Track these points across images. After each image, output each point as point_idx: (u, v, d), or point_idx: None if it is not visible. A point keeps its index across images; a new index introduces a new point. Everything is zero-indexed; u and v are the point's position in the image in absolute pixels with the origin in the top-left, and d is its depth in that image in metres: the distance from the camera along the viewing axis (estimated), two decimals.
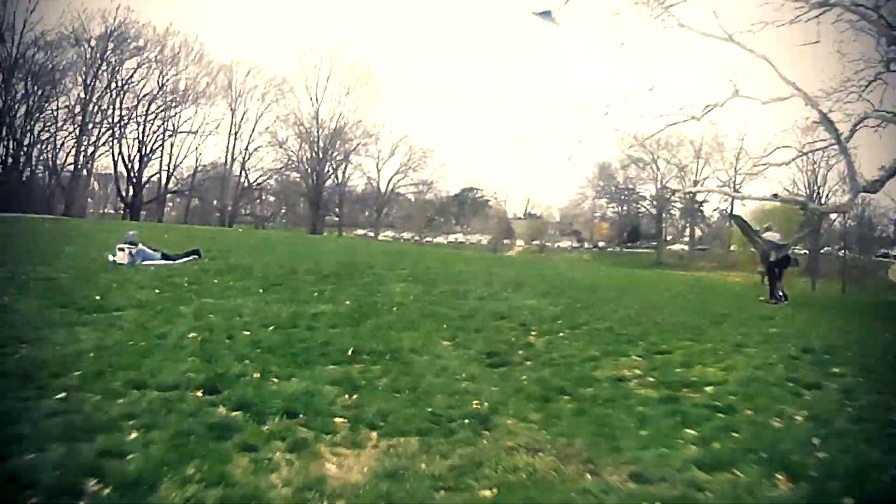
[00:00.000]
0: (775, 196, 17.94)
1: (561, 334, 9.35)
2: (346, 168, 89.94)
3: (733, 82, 20.55)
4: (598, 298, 14.25)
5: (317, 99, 76.57)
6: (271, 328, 8.46)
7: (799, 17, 20.08)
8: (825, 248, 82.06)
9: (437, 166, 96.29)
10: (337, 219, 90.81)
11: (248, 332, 8.11)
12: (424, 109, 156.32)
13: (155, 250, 15.38)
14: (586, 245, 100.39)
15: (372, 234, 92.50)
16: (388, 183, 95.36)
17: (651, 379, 7.27)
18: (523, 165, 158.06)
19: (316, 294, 11.51)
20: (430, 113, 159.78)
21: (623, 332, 9.87)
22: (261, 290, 11.53)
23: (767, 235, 19.09)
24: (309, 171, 78.66)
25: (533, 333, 9.31)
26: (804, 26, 20.34)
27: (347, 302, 10.87)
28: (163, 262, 14.93)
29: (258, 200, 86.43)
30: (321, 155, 76.67)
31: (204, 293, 10.88)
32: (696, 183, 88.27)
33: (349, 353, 7.43)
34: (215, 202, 79.99)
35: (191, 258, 15.73)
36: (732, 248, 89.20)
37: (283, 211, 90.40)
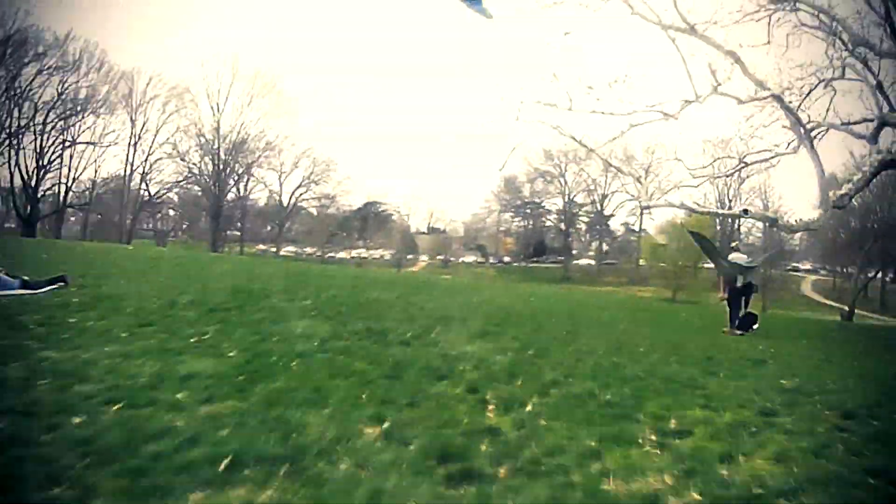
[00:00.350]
0: (745, 212, 15.48)
1: (529, 408, 6.37)
2: (247, 181, 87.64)
3: (714, 77, 18.07)
4: (547, 336, 11.44)
5: (218, 108, 72.64)
6: (116, 407, 5.22)
7: (750, 14, 18.26)
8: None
9: (341, 179, 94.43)
10: (238, 233, 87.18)
11: (78, 420, 4.88)
12: (329, 120, 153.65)
13: (14, 277, 11.82)
14: (491, 260, 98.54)
15: (274, 250, 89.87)
16: (291, 197, 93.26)
17: (696, 495, 4.42)
18: (428, 178, 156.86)
19: (194, 340, 8.36)
20: (335, 124, 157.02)
21: (610, 396, 7.05)
22: (124, 334, 8.22)
23: (734, 257, 16.64)
24: (210, 184, 73.65)
25: (491, 408, 6.33)
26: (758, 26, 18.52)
27: (232, 353, 7.72)
28: (21, 291, 11.40)
29: (159, 215, 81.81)
30: (221, 167, 71.98)
31: (51, 341, 7.46)
32: (604, 197, 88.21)
33: (223, 464, 4.27)
34: (117, 217, 74.91)
35: (55, 286, 12.16)
36: (641, 262, 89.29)
37: (184, 226, 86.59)
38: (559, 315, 15.90)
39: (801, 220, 16.79)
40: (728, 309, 16.09)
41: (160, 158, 74.41)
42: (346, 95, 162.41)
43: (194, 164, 77.03)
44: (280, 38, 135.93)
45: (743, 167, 23.11)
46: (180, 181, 78.32)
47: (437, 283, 24.14)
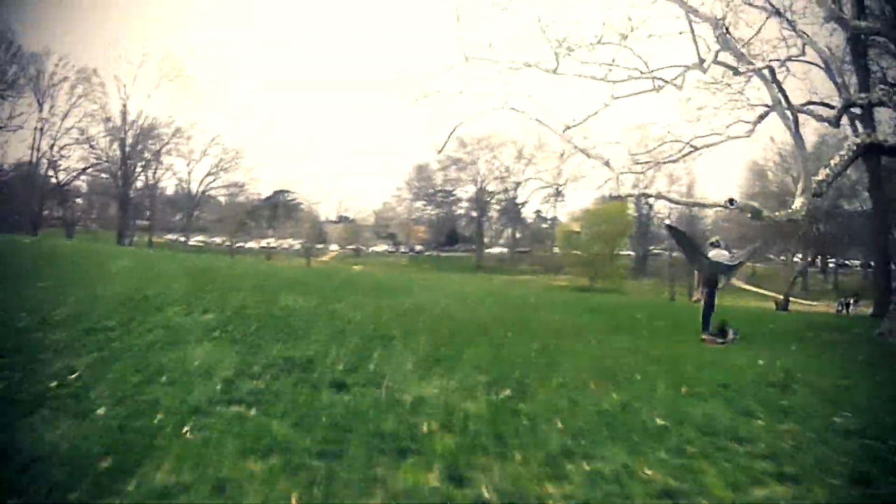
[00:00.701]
0: (731, 202, 13.23)
1: None
2: (156, 169, 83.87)
3: (709, 55, 15.68)
4: (513, 360, 9.05)
5: (125, 92, 66.84)
6: None
7: None
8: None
9: (250, 167, 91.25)
10: (147, 223, 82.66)
11: None
12: (238, 106, 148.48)
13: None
14: (403, 249, 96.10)
15: (183, 239, 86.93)
16: (200, 185, 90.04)
17: None
18: (337, 166, 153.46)
19: (55, 385, 5.87)
20: (244, 109, 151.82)
21: (651, 471, 4.85)
22: None
23: (714, 254, 14.40)
24: (117, 171, 68.51)
25: None
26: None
27: (101, 410, 5.26)
28: None
29: (67, 203, 75.69)
30: (128, 153, 66.60)
31: None
32: (517, 185, 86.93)
33: None
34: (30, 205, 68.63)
35: None
36: (555, 250, 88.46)
37: (93, 215, 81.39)
38: (509, 322, 13.52)
39: (782, 211, 14.86)
40: (702, 312, 13.89)
41: (67, 144, 68.98)
42: (254, 75, 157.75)
43: (102, 150, 71.40)
44: (188, 16, 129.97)
45: (691, 151, 21.15)
46: (87, 168, 72.44)
47: (356, 281, 21.36)
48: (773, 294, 59.15)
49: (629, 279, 70.16)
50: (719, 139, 19.69)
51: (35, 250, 23.01)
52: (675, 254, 76.24)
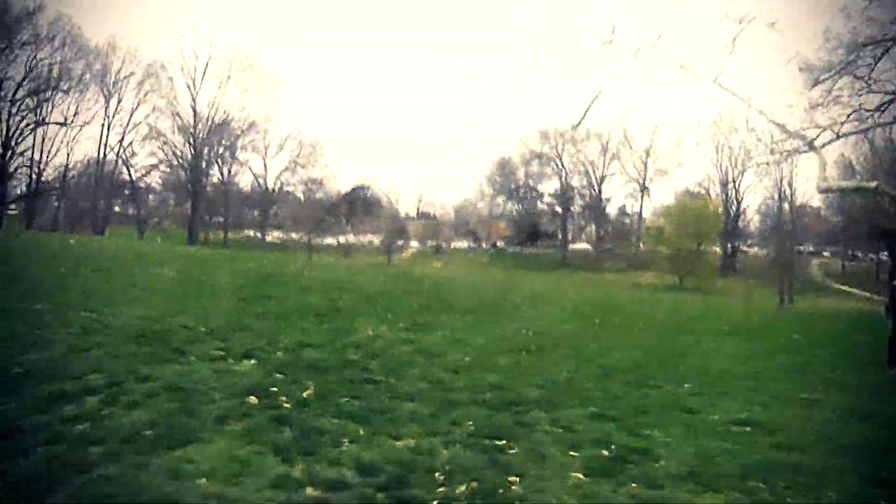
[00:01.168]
0: None
1: None
2: (230, 164, 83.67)
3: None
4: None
5: (195, 85, 65.60)
6: None
7: None
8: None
9: (328, 163, 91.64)
10: (222, 219, 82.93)
11: None
12: (314, 101, 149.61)
13: None
14: (483, 245, 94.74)
15: (259, 235, 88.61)
16: (276, 181, 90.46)
17: None
18: (418, 162, 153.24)
19: None
20: (321, 105, 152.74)
21: None
22: None
23: None
24: (188, 167, 68.12)
25: None
26: None
27: None
28: None
29: (138, 200, 75.81)
30: (199, 149, 65.86)
31: None
32: (602, 179, 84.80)
33: None
34: (96, 203, 69.09)
35: None
36: (641, 246, 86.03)
37: (165, 212, 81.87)
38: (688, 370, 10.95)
39: None
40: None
41: (133, 141, 68.33)
42: (334, 73, 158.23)
43: (171, 145, 69.51)
44: (264, 11, 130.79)
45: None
46: (158, 164, 71.16)
47: (446, 290, 18.91)
48: (864, 293, 56.05)
49: (718, 277, 67.34)
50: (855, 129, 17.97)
51: (73, 250, 21.39)
52: (769, 252, 73.35)
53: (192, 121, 63.72)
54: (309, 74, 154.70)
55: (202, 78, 63.96)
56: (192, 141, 62.51)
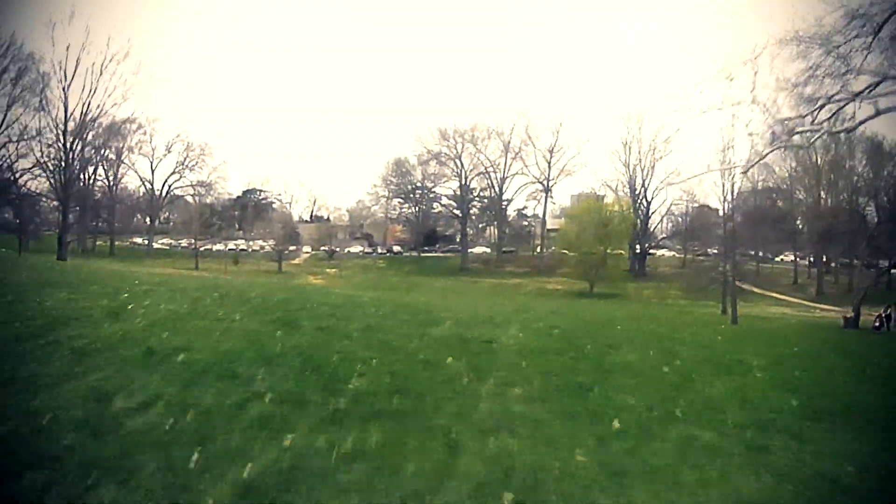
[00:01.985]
0: None
1: None
2: (116, 167, 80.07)
3: None
4: None
5: (66, 78, 52.35)
6: None
7: None
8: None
9: (217, 165, 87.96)
10: (94, 225, 76.64)
11: None
12: (203, 103, 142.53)
13: None
14: (379, 250, 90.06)
15: (144, 242, 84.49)
16: (164, 184, 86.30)
17: None
18: (311, 163, 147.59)
19: None
20: (209, 107, 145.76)
21: None
22: None
23: None
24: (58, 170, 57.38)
25: None
26: None
27: None
28: None
29: (12, 206, 65.59)
30: (68, 149, 54.00)
31: None
32: (503, 180, 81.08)
33: None
34: None
35: None
36: (540, 249, 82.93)
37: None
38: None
39: None
40: None
41: (6, 143, 56.29)
42: (221, 74, 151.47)
43: (46, 145, 59.15)
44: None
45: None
46: (31, 168, 58.25)
47: (343, 315, 14.19)
48: (797, 300, 54.24)
49: (627, 282, 64.31)
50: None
51: None
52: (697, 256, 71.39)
53: (63, 117, 53.02)
54: (196, 75, 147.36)
55: (74, 70, 52.93)
56: (62, 140, 51.82)
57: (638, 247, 73.22)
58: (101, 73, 50.82)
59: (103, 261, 56.75)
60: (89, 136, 55.39)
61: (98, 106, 50.97)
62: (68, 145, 50.25)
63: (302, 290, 23.30)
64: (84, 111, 49.85)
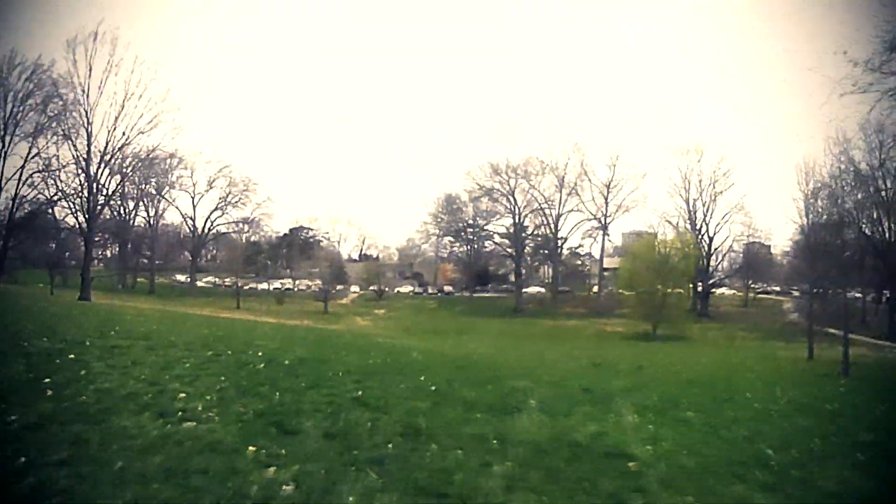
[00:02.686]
0: None
1: None
2: (157, 203, 78.50)
3: None
4: None
5: (87, 102, 45.98)
6: None
7: None
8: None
9: (262, 201, 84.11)
10: (142, 261, 76.55)
11: None
12: (245, 134, 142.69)
13: None
14: (430, 290, 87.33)
15: (183, 280, 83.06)
16: (206, 221, 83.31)
17: None
18: (359, 201, 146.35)
19: None
20: (254, 139, 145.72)
21: None
22: None
23: None
24: (82, 203, 53.67)
25: None
26: None
27: None
28: None
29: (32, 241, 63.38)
30: (91, 181, 48.18)
31: None
32: (559, 217, 77.48)
33: None
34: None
35: None
36: (594, 289, 79.34)
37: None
38: None
39: None
40: None
41: (33, 172, 52.10)
42: (266, 107, 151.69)
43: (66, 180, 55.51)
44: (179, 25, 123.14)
45: None
46: (54, 199, 53.68)
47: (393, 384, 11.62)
48: (870, 339, 49.74)
49: (691, 322, 60.03)
50: None
51: None
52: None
53: (85, 144, 48.36)
54: (243, 106, 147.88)
55: (99, 94, 48.03)
56: (85, 169, 47.01)
57: (700, 285, 69.08)
58: (126, 97, 46.37)
59: (138, 299, 54.74)
60: (127, 169, 51.89)
61: (124, 133, 46.35)
62: (92, 175, 46.02)
63: (338, 339, 20.05)
64: (108, 138, 45.53)
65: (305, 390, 8.47)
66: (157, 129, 46.56)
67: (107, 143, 45.16)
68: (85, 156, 44.66)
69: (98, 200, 46.53)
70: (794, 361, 30.88)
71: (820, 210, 59.64)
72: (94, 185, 45.50)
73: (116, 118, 45.11)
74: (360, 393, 8.51)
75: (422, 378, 10.27)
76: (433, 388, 9.51)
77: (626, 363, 19.60)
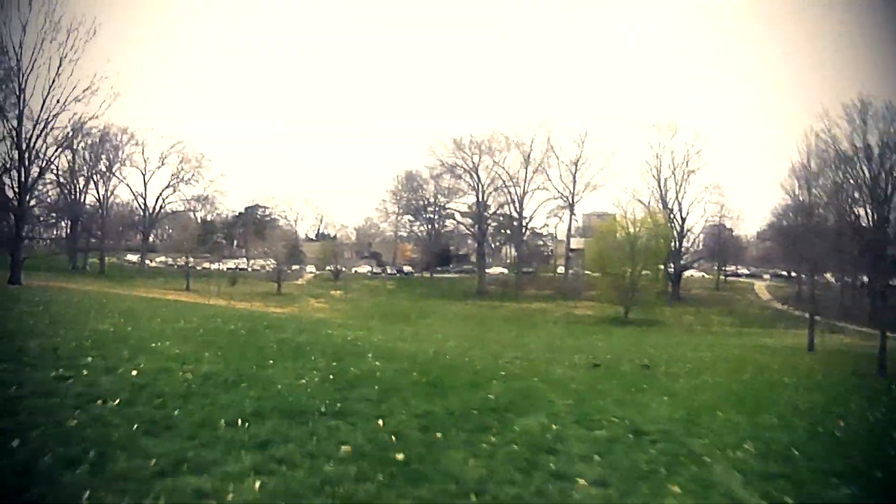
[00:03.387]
0: None
1: None
2: (108, 179, 73.86)
3: None
4: None
5: (18, 65, 40.96)
6: None
7: None
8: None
9: (214, 178, 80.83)
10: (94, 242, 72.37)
11: None
12: (197, 111, 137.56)
13: None
14: (388, 270, 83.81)
15: (133, 260, 79.38)
16: (157, 199, 79.84)
17: None
18: (316, 178, 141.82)
19: None
20: (206, 116, 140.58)
21: None
22: None
23: None
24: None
25: None
26: None
27: None
28: None
29: None
30: (24, 152, 43.22)
31: None
32: (524, 195, 73.95)
33: None
34: None
35: None
36: (559, 269, 76.46)
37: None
38: None
39: None
40: None
41: None
42: (217, 74, 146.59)
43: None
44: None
45: None
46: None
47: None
48: (853, 327, 47.43)
49: (663, 306, 57.01)
50: None
51: None
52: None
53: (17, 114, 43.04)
54: (193, 80, 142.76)
55: (31, 59, 41.57)
56: (15, 140, 40.92)
57: (671, 267, 66.25)
58: (60, 63, 40.69)
59: (83, 281, 50.66)
60: (64, 143, 46.18)
61: (59, 101, 40.67)
62: (23, 146, 40.00)
63: (277, 334, 15.37)
64: (42, 106, 40.03)
65: (154, 477, 4.44)
66: (96, 96, 41.29)
67: (40, 112, 39.74)
68: (16, 125, 39.48)
69: (31, 173, 41.15)
70: (796, 353, 27.96)
71: (797, 192, 57.63)
72: (28, 157, 40.16)
73: (51, 85, 39.59)
74: (257, 486, 4.45)
75: (380, 422, 6.47)
76: (400, 452, 5.44)
77: (621, 358, 16.55)
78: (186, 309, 25.58)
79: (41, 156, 41.65)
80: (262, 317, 24.07)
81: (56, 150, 44.42)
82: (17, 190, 40.20)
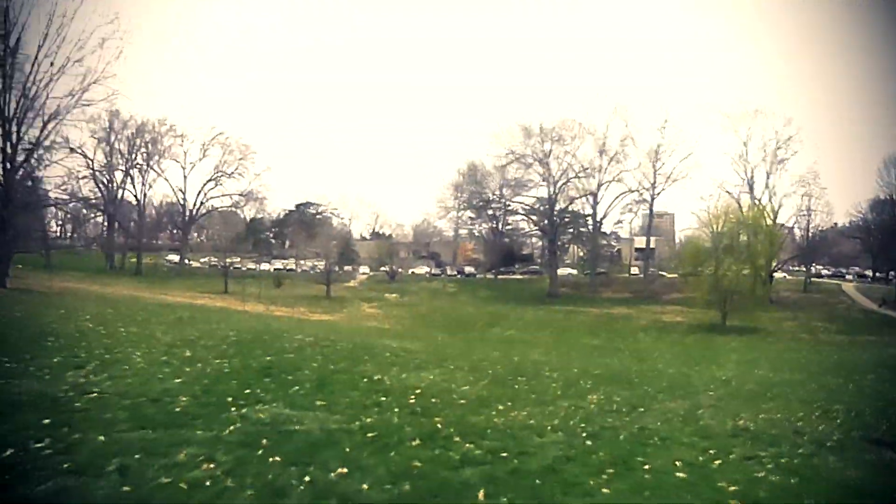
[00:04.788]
0: None
1: None
2: (146, 175, 69.80)
3: None
4: None
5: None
6: None
7: None
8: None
9: (260, 172, 75.47)
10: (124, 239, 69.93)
11: None
12: (241, 103, 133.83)
13: None
14: (448, 271, 77.61)
15: (173, 260, 74.41)
16: (199, 194, 74.89)
17: None
18: (372, 175, 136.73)
19: None
20: (252, 105, 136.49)
21: None
22: None
23: None
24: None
25: None
26: None
27: None
28: None
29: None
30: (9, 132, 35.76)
31: None
32: (599, 186, 66.44)
33: None
34: None
35: None
36: (633, 270, 69.66)
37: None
38: None
39: None
40: None
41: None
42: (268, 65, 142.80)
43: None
44: None
45: None
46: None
47: None
48: None
49: (758, 311, 49.61)
50: None
51: None
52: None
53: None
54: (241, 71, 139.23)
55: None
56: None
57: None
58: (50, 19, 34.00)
59: (113, 282, 45.91)
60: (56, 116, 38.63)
61: (52, 63, 33.65)
62: (10, 128, 32.82)
63: (308, 362, 9.89)
64: (31, 72, 33.31)
65: None
66: (94, 55, 34.33)
67: (27, 78, 33.01)
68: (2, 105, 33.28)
69: (18, 151, 34.12)
70: None
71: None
72: (16, 132, 33.41)
73: (39, 47, 32.84)
74: None
75: None
76: None
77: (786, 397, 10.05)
78: (199, 318, 19.63)
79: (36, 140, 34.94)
80: (290, 330, 17.80)
81: (44, 125, 36.96)
82: (4, 171, 33.53)
